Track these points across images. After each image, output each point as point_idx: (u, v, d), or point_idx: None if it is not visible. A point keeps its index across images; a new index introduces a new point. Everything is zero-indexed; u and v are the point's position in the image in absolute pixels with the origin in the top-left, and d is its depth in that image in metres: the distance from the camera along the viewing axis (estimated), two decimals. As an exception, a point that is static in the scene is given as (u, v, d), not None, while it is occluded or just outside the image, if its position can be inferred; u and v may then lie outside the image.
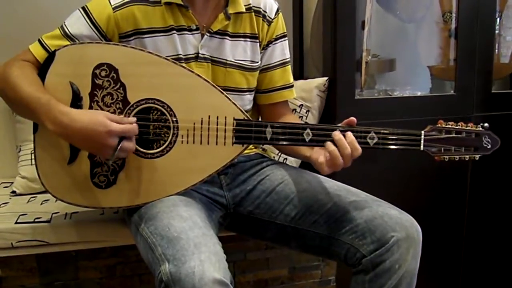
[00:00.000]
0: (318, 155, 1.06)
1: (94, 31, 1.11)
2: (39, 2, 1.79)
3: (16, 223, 1.34)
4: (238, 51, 1.20)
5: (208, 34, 1.17)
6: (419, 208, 1.34)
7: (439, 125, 1.07)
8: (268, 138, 1.08)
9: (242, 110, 1.10)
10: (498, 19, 1.88)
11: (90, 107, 1.09)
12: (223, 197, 1.22)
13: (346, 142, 1.03)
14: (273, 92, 1.29)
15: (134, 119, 1.05)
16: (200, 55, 1.16)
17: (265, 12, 1.23)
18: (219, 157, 1.10)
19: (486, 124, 1.08)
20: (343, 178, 1.24)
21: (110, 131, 0.99)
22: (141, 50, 1.10)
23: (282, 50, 1.28)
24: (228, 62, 1.19)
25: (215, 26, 1.17)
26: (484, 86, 1.78)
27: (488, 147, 1.08)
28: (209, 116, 1.09)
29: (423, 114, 1.68)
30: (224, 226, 1.25)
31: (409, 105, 1.72)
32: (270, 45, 1.26)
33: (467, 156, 1.08)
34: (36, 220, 1.35)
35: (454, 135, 1.07)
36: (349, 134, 1.04)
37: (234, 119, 1.09)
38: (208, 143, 1.09)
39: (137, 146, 1.07)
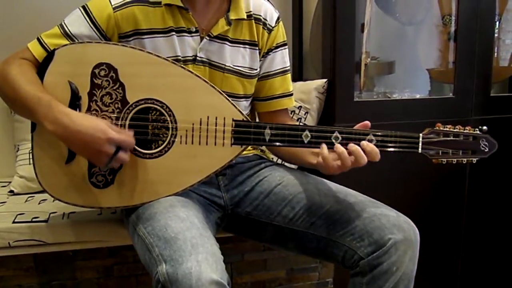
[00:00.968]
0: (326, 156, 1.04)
1: (94, 31, 1.11)
2: (38, 1, 1.78)
3: (13, 222, 1.33)
4: (237, 57, 1.20)
5: (208, 38, 1.16)
6: (417, 210, 1.35)
7: (437, 128, 1.08)
8: (267, 140, 1.08)
9: (241, 111, 1.10)
10: (497, 22, 1.89)
11: (89, 107, 1.09)
12: (221, 198, 1.22)
13: (362, 151, 1.02)
14: (273, 100, 1.28)
15: (132, 132, 1.05)
16: (198, 58, 1.16)
17: (266, 20, 1.23)
18: (218, 158, 1.10)
19: (484, 127, 1.08)
20: (341, 180, 1.24)
21: (109, 138, 0.99)
22: (141, 50, 1.10)
23: (282, 58, 1.28)
24: (226, 67, 1.19)
25: (215, 31, 1.16)
26: (483, 89, 1.78)
27: (486, 150, 1.08)
28: (208, 117, 1.09)
29: (422, 117, 1.68)
30: (221, 227, 1.25)
31: (408, 107, 1.72)
32: (270, 53, 1.26)
33: (465, 160, 1.08)
34: (34, 219, 1.35)
35: (452, 138, 1.07)
36: (370, 146, 1.03)
37: (233, 120, 1.09)
38: (206, 144, 1.09)
39: (135, 146, 1.07)
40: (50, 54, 1.09)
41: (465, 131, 1.07)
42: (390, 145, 1.07)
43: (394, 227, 1.07)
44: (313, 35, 1.91)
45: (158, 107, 1.08)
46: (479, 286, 1.92)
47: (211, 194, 1.20)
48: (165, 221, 1.00)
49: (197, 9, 1.16)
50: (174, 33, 1.14)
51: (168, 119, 1.08)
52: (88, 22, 1.11)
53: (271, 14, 1.25)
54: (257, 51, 1.23)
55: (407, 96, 1.86)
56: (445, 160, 1.07)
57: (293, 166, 1.56)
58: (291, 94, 1.31)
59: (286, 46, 1.30)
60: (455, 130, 1.07)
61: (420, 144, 1.07)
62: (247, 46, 1.22)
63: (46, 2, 1.78)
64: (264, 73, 1.27)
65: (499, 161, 1.50)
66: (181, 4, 1.13)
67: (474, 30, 1.73)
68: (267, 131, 1.08)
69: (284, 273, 1.64)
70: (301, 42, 2.04)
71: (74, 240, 1.34)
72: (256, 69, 1.24)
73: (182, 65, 1.11)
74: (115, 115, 1.09)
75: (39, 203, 1.50)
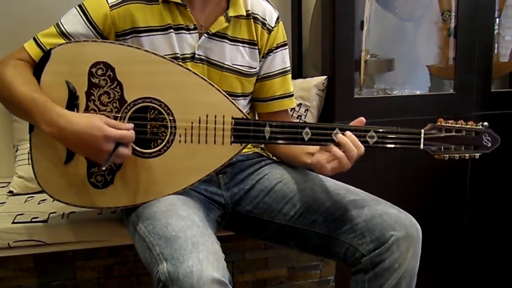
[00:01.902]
0: (319, 158, 1.05)
1: (90, 29, 1.10)
2: (37, 1, 1.78)
3: (13, 223, 1.33)
4: (236, 55, 1.19)
5: (206, 35, 1.16)
6: (418, 207, 1.34)
7: (439, 123, 1.07)
8: (267, 137, 1.08)
9: (241, 109, 1.09)
10: (497, 18, 1.88)
11: (87, 106, 1.08)
12: (221, 196, 1.21)
13: (351, 143, 1.02)
14: (273, 101, 1.28)
15: (132, 125, 1.04)
16: (196, 55, 1.15)
17: (265, 20, 1.22)
18: (217, 156, 1.09)
19: (485, 123, 1.08)
20: (342, 177, 1.23)
21: (106, 135, 0.99)
22: (138, 48, 1.09)
23: (283, 59, 1.27)
24: (225, 65, 1.18)
25: (214, 28, 1.16)
26: (484, 85, 1.78)
27: (488, 145, 1.07)
28: (207, 115, 1.08)
29: (422, 113, 1.68)
30: (222, 225, 1.24)
31: (408, 104, 1.71)
32: (270, 53, 1.25)
33: (467, 155, 1.07)
34: (33, 220, 1.34)
35: (454, 133, 1.07)
36: (349, 133, 1.03)
37: (233, 118, 1.08)
38: (206, 142, 1.08)
39: (134, 146, 1.07)
40: (46, 54, 1.08)
41: (467, 126, 1.07)
42: (391, 141, 1.06)
43: (396, 224, 1.06)
44: (313, 32, 1.91)
45: (157, 106, 1.08)
46: (481, 283, 1.92)
47: (212, 193, 1.20)
48: (165, 220, 0.99)
49: (195, 6, 1.15)
50: (172, 30, 1.13)
51: (167, 117, 1.08)
52: (84, 21, 1.10)
53: (270, 14, 1.24)
54: (257, 50, 1.22)
55: (407, 92, 1.85)
56: (447, 156, 1.07)
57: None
58: (292, 95, 1.30)
59: (286, 46, 1.29)
60: (457, 126, 1.07)
61: (422, 140, 1.06)
62: (246, 45, 1.21)
63: (45, 2, 1.77)
64: (264, 74, 1.26)
65: (500, 157, 1.50)
66: (179, 1, 1.12)
67: (474, 26, 1.72)
68: (267, 128, 1.07)
69: (285, 271, 1.64)
70: (300, 39, 2.03)
71: (74, 240, 1.34)
72: (255, 68, 1.23)
73: (180, 63, 1.10)
74: (113, 114, 1.08)
75: (38, 203, 1.50)
